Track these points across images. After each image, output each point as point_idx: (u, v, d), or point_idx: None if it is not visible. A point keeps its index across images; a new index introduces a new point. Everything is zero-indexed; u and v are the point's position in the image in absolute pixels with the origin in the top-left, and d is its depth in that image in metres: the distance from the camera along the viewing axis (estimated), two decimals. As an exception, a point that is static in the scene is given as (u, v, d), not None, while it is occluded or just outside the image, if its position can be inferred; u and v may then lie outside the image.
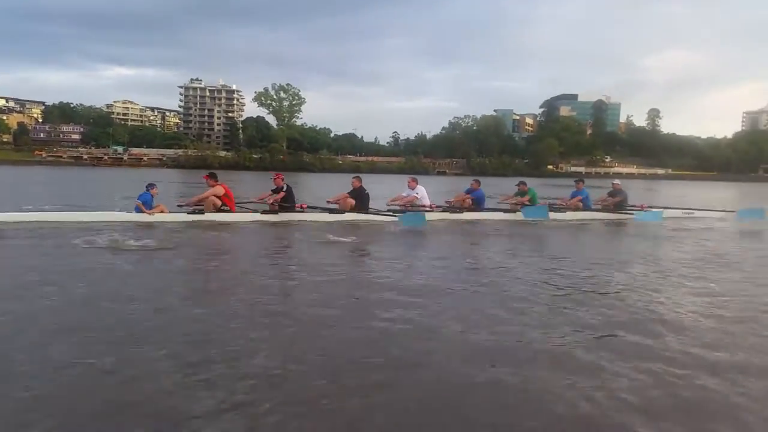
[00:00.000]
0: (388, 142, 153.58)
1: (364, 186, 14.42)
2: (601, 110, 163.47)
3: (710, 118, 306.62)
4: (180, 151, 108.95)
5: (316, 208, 13.90)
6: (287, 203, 13.50)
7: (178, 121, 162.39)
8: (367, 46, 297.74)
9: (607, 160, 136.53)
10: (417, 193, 15.05)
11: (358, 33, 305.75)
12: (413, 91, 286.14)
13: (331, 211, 13.71)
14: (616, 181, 18.04)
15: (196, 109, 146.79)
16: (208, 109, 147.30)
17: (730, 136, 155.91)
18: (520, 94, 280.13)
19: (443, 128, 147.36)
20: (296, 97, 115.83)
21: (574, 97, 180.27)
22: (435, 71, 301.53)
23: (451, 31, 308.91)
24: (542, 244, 11.83)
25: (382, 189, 23.83)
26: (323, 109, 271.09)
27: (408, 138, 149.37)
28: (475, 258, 9.58)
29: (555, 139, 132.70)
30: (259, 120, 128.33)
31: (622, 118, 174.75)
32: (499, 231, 13.06)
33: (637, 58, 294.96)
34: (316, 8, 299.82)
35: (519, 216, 14.96)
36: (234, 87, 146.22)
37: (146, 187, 12.31)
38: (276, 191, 13.59)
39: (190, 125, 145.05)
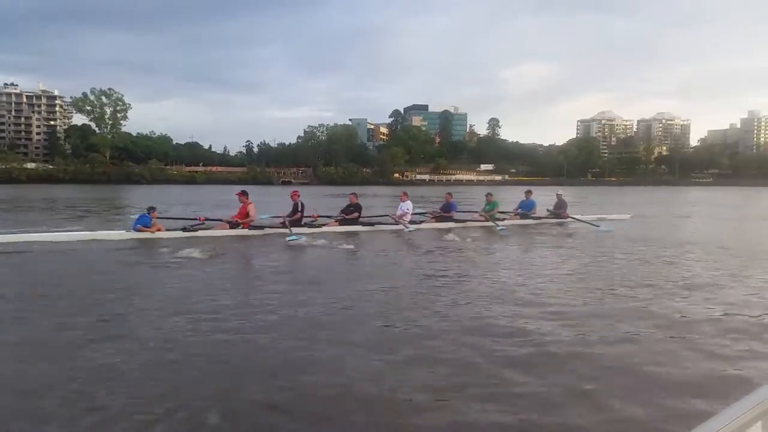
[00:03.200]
0: (239, 152, 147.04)
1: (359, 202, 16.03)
2: (447, 120, 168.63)
3: (555, 126, 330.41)
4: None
5: (310, 225, 14.82)
6: (299, 221, 14.46)
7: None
8: (242, 53, 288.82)
9: (449, 168, 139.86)
10: (407, 208, 16.31)
11: (233, 40, 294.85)
12: (291, 100, 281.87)
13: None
14: (559, 192, 19.70)
15: (9, 117, 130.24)
16: (25, 117, 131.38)
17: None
18: (392, 104, 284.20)
19: (299, 137, 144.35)
20: (120, 103, 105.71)
21: (425, 107, 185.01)
22: (312, 81, 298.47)
23: (329, 40, 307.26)
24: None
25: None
26: (197, 118, 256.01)
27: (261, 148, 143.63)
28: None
29: (403, 147, 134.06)
30: (86, 128, 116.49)
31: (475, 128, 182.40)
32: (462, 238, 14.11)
33: (497, 71, 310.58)
34: (187, 14, 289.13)
35: (487, 223, 16.77)
36: (56, 92, 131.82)
37: (147, 210, 13.23)
38: (294, 208, 14.51)
39: (2, 134, 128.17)
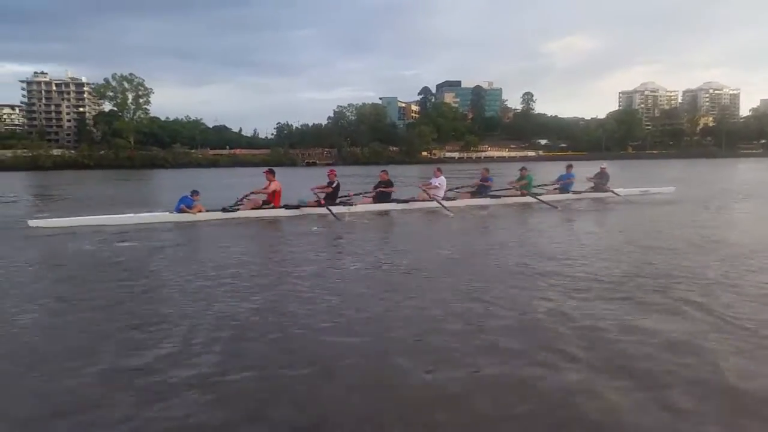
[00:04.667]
0: (272, 134, 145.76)
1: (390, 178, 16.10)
2: (479, 96, 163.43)
3: (601, 100, 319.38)
4: (9, 152, 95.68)
5: (345, 203, 14.78)
6: (333, 198, 14.68)
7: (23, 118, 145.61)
8: (278, 36, 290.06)
9: (480, 144, 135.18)
10: (439, 183, 16.18)
11: (267, 24, 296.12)
12: (329, 81, 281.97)
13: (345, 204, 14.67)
14: (603, 164, 19.39)
15: (40, 105, 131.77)
16: (55, 105, 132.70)
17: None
18: (430, 81, 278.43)
19: (329, 118, 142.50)
20: (142, 88, 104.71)
21: (458, 83, 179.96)
22: (349, 61, 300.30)
23: (364, 19, 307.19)
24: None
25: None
26: (234, 103, 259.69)
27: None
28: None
29: (432, 125, 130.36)
30: (112, 114, 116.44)
31: (509, 103, 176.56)
32: (500, 214, 14.65)
33: (540, 45, 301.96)
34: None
35: (521, 199, 16.69)
36: (84, 80, 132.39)
37: (190, 193, 13.67)
38: (329, 185, 14.85)
39: (35, 122, 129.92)
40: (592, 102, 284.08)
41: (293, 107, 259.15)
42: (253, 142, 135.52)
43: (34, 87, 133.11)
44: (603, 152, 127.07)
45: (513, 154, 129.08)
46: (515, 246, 9.63)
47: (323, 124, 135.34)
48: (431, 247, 9.63)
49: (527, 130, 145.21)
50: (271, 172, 14.50)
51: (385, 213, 14.84)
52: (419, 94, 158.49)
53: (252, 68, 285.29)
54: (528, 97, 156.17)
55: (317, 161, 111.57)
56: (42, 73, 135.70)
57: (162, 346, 4.64)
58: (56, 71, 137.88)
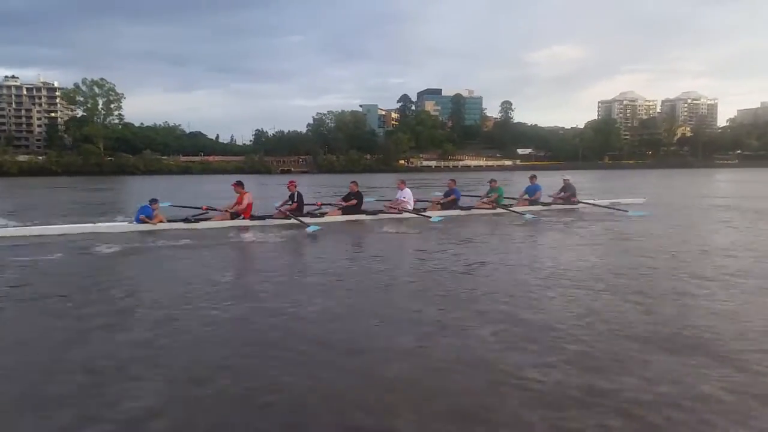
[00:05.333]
0: (250, 141, 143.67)
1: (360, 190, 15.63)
2: (459, 104, 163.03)
3: (583, 109, 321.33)
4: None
5: (313, 214, 14.57)
6: (298, 211, 14.24)
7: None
8: (267, 43, 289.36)
9: (459, 153, 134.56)
10: (404, 196, 15.81)
11: (258, 30, 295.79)
12: (318, 89, 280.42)
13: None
14: (567, 177, 18.96)
15: (10, 110, 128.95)
16: (26, 109, 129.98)
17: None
18: (416, 89, 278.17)
19: (308, 125, 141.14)
20: (113, 93, 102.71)
21: (438, 91, 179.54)
22: (338, 69, 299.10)
23: (354, 28, 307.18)
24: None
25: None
26: (222, 109, 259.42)
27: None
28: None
29: (411, 133, 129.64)
30: (84, 119, 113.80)
31: (487, 112, 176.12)
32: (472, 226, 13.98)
33: (525, 54, 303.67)
34: (214, 5, 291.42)
35: (491, 211, 16.46)
36: (56, 84, 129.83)
37: (149, 201, 13.17)
38: (291, 198, 14.34)
39: (4, 127, 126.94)
40: (577, 111, 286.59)
41: (281, 114, 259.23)
42: (229, 148, 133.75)
43: (4, 91, 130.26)
44: (580, 162, 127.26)
45: (490, 163, 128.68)
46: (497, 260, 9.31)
47: (299, 131, 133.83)
48: (400, 260, 9.76)
49: (506, 139, 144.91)
50: (240, 185, 13.95)
51: (356, 224, 14.48)
52: (398, 101, 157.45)
53: (241, 75, 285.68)
54: (507, 106, 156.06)
55: (292, 169, 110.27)
56: (13, 77, 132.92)
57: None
58: (42, 75, 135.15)
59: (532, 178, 18.38)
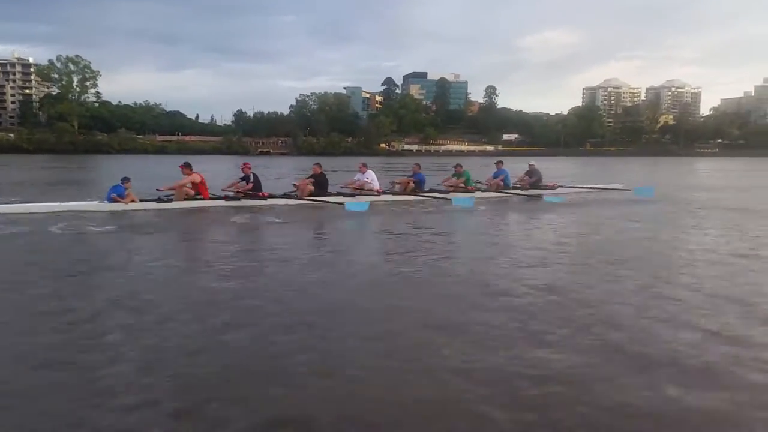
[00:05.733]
0: (232, 121, 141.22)
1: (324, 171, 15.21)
2: (444, 88, 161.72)
3: (570, 96, 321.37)
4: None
5: (274, 195, 14.37)
6: (254, 191, 14.07)
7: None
8: (259, 22, 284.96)
9: (442, 137, 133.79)
10: (367, 178, 15.50)
11: (250, 9, 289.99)
12: (308, 70, 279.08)
13: (288, 197, 14.42)
14: (532, 162, 18.78)
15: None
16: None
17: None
18: (406, 72, 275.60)
19: (291, 106, 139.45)
20: (88, 71, 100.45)
21: (424, 75, 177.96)
22: (329, 50, 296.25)
23: (346, 9, 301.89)
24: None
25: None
26: (213, 88, 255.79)
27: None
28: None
29: (393, 116, 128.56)
30: (60, 97, 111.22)
31: (471, 96, 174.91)
32: (431, 211, 13.67)
33: (517, 39, 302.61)
34: None
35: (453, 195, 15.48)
36: (31, 60, 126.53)
37: (121, 180, 12.96)
38: (245, 179, 14.21)
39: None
40: (566, 98, 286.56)
41: (270, 95, 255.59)
42: (209, 129, 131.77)
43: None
44: (561, 148, 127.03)
45: (472, 148, 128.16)
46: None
47: (279, 113, 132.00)
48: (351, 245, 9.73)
49: (489, 124, 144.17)
50: (187, 166, 13.76)
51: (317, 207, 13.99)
52: (382, 84, 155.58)
53: (232, 54, 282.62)
54: (491, 91, 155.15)
55: (271, 150, 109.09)
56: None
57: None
58: (31, 52, 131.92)
59: (498, 163, 18.25)
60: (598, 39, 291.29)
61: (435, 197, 15.42)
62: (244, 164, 14.60)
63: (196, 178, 13.57)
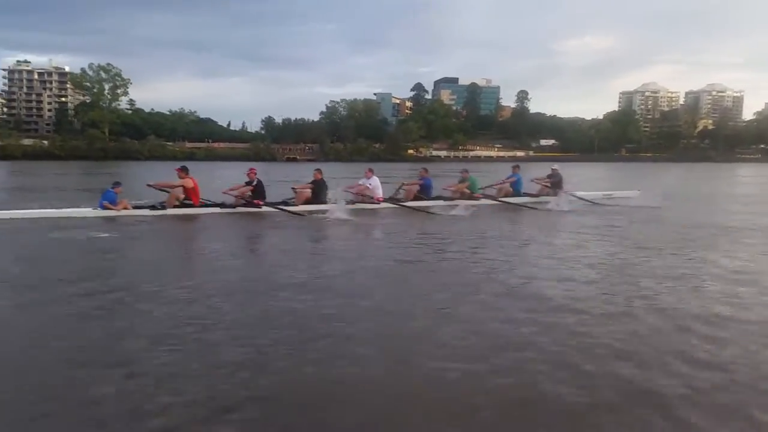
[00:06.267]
0: (261, 128, 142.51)
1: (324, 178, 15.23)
2: (474, 93, 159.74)
3: (606, 101, 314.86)
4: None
5: (269, 204, 14.22)
6: (257, 196, 14.09)
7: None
8: (291, 30, 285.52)
9: (473, 143, 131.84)
10: (370, 184, 15.51)
11: (283, 17, 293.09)
12: (342, 77, 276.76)
13: (286, 204, 14.43)
14: (555, 166, 18.55)
15: (21, 94, 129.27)
16: (36, 94, 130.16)
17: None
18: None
19: (321, 113, 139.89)
20: (119, 79, 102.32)
21: (455, 80, 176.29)
22: (362, 57, 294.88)
23: (379, 16, 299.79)
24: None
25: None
26: (248, 95, 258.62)
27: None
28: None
29: (422, 122, 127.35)
30: (93, 104, 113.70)
31: (504, 102, 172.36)
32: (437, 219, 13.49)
33: (555, 44, 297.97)
34: None
35: (457, 203, 15.21)
36: (67, 69, 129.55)
37: (112, 185, 13.02)
38: (249, 184, 14.14)
39: (14, 111, 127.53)
40: (603, 103, 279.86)
41: (304, 102, 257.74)
42: (238, 135, 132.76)
43: (16, 75, 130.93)
44: (595, 154, 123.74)
45: (501, 153, 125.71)
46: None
47: (306, 119, 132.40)
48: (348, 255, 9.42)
49: (521, 129, 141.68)
50: (183, 170, 13.76)
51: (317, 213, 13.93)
52: (412, 90, 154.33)
53: (266, 62, 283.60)
54: (523, 96, 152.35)
55: (298, 157, 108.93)
56: (25, 61, 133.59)
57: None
58: (69, 61, 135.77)
59: (515, 168, 18.14)
60: (637, 43, 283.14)
61: (433, 206, 15.21)
62: (251, 170, 14.66)
63: (189, 183, 13.55)
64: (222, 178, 13.77)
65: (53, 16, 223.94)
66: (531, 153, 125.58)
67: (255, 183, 14.15)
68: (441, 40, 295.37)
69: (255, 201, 14.03)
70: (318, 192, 14.72)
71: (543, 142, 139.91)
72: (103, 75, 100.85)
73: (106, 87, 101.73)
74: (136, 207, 13.20)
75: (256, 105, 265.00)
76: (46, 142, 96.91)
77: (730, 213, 16.01)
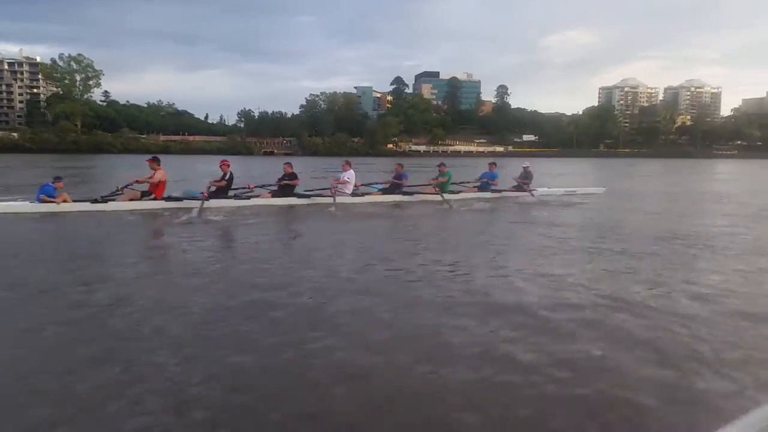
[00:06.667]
0: (238, 121, 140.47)
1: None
2: (455, 88, 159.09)
3: (587, 96, 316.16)
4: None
5: (240, 197, 13.89)
6: (226, 190, 13.73)
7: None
8: (278, 22, 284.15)
9: (452, 138, 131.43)
10: (347, 178, 15.45)
11: (269, 9, 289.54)
12: (327, 71, 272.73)
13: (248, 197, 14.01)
14: (526, 164, 18.82)
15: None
16: (6, 85, 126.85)
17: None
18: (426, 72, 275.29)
19: (301, 106, 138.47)
20: (91, 69, 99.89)
21: (436, 74, 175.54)
22: (348, 50, 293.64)
23: (364, 9, 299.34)
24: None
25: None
26: (231, 88, 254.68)
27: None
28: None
29: (403, 116, 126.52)
30: (65, 96, 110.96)
31: (485, 96, 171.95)
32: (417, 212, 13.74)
33: (538, 39, 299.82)
34: None
35: (435, 197, 15.55)
36: (38, 59, 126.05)
37: (52, 180, 12.50)
38: (223, 177, 13.71)
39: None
40: (584, 98, 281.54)
41: (288, 96, 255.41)
42: (214, 129, 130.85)
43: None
44: (575, 149, 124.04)
45: (481, 149, 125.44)
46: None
47: (284, 113, 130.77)
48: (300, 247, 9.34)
49: (501, 124, 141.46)
50: (156, 161, 13.33)
51: (288, 208, 13.95)
52: (391, 84, 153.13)
53: (252, 55, 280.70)
54: (503, 91, 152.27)
55: (275, 150, 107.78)
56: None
57: None
58: (51, 52, 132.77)
59: (492, 165, 18.13)
60: (618, 39, 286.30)
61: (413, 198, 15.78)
62: (223, 161, 14.38)
63: (164, 176, 13.21)
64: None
65: (33, 4, 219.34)
66: (511, 148, 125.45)
67: (228, 176, 13.81)
68: (427, 33, 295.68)
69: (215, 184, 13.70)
70: (290, 184, 14.73)
71: (525, 137, 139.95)
72: (75, 66, 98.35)
73: (78, 78, 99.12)
74: (76, 201, 12.60)
75: (238, 98, 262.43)
76: (15, 134, 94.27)
77: (691, 216, 15.15)
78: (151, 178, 13.05)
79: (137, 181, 13.05)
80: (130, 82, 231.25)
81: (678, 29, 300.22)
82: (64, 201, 12.20)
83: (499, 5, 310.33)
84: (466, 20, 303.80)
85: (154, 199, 12.98)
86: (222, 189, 13.66)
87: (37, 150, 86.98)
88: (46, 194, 12.09)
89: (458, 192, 16.91)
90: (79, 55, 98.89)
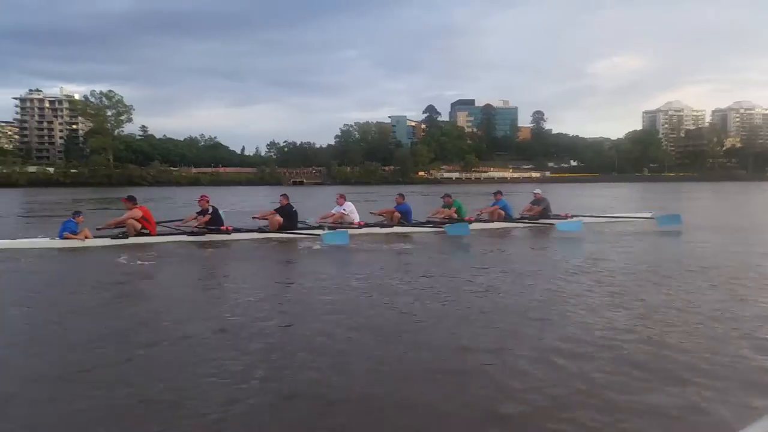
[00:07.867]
0: (269, 152, 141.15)
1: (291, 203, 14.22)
2: (489, 115, 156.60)
3: (632, 121, 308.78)
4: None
5: (240, 229, 13.70)
6: (213, 225, 13.22)
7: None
8: (325, 57, 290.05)
9: (487, 165, 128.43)
10: (344, 209, 14.86)
11: (316, 44, 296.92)
12: (372, 101, 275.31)
13: (259, 230, 13.63)
14: (537, 190, 17.85)
15: (33, 122, 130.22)
16: (47, 122, 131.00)
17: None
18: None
19: (336, 136, 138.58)
20: (121, 105, 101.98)
21: (471, 102, 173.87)
22: (393, 81, 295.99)
23: (409, 40, 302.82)
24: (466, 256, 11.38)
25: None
26: (280, 122, 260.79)
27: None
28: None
29: (435, 144, 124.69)
30: (102, 131, 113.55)
31: (521, 122, 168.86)
32: (423, 245, 12.72)
33: (584, 66, 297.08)
34: (270, 21, 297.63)
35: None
36: (76, 97, 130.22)
37: (72, 215, 12.61)
38: (201, 213, 13.30)
39: (27, 139, 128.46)
40: (629, 123, 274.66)
41: (330, 128, 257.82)
42: (248, 160, 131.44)
43: (27, 104, 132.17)
44: (617, 174, 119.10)
45: (516, 175, 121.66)
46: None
47: (302, 143, 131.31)
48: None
49: (538, 150, 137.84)
50: (130, 200, 12.98)
51: (285, 242, 13.18)
52: (424, 112, 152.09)
53: (298, 88, 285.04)
54: (539, 116, 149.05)
55: (304, 180, 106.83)
56: (36, 90, 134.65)
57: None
58: (121, 92, 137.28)
59: (497, 194, 17.01)
60: (665, 63, 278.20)
61: (425, 230, 14.48)
62: (201, 197, 13.81)
63: (137, 213, 12.79)
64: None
65: (93, 46, 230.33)
66: (547, 174, 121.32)
67: (210, 211, 13.20)
68: (469, 64, 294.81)
69: (224, 227, 13.24)
70: (288, 218, 13.77)
71: (566, 163, 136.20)
72: (105, 101, 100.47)
73: (109, 113, 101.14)
74: (97, 237, 12.42)
75: (283, 131, 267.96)
76: (51, 169, 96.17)
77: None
78: (122, 217, 12.84)
79: (107, 225, 12.81)
80: (184, 118, 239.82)
81: (725, 52, 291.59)
82: (86, 237, 12.17)
83: (543, 35, 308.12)
84: (509, 50, 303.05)
85: (149, 234, 12.87)
86: (209, 223, 13.16)
87: (71, 184, 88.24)
88: (69, 231, 12.11)
89: (474, 221, 15.53)
90: (110, 91, 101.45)
